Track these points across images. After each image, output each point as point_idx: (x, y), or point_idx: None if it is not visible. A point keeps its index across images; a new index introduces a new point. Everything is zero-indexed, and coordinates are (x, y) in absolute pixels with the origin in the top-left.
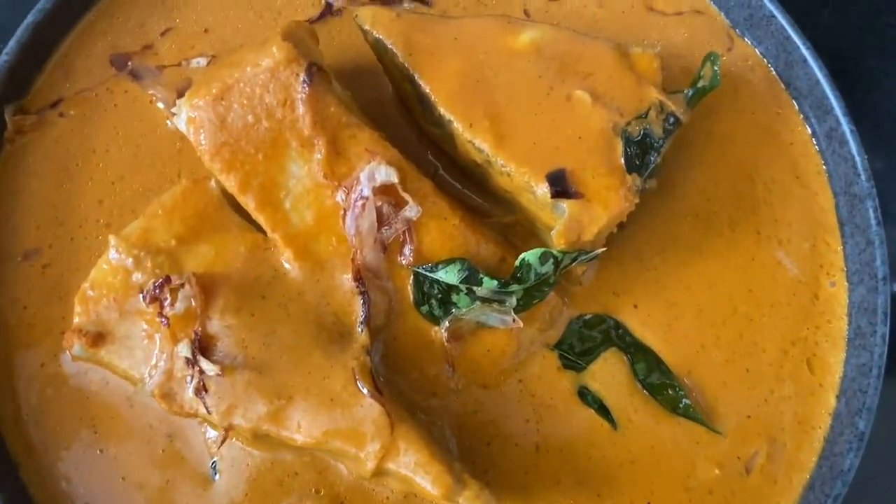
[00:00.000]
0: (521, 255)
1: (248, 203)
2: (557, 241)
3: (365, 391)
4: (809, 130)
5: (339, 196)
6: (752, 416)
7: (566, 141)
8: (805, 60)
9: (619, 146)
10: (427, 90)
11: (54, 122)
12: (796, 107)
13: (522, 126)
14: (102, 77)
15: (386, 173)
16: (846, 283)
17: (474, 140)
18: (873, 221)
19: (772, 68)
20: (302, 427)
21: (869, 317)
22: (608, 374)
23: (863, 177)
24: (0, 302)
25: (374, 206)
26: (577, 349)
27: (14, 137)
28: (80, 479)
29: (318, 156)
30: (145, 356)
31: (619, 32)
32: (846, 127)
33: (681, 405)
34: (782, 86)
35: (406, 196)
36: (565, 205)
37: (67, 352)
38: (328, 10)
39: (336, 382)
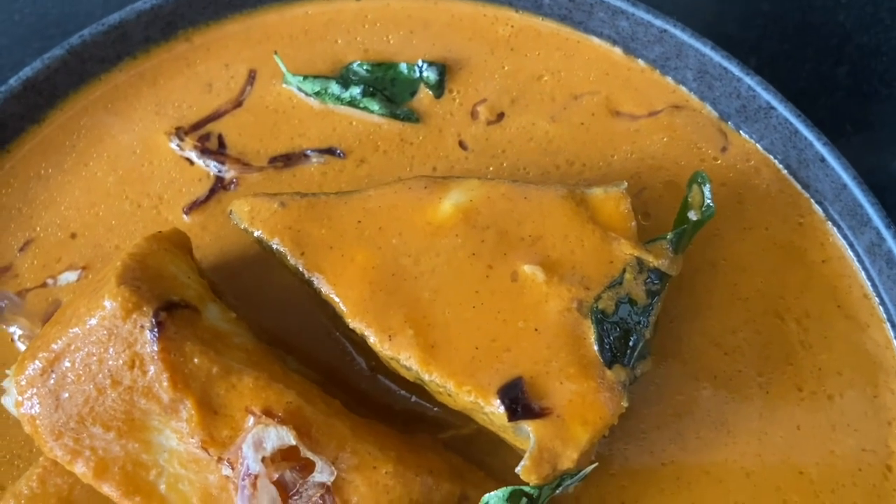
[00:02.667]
0: (484, 499)
1: (111, 493)
2: (527, 478)
3: None
4: (843, 241)
5: (225, 469)
6: None
7: (518, 337)
8: (823, 160)
9: (591, 332)
10: (331, 296)
11: None
12: (821, 213)
13: (457, 327)
14: None
15: (277, 437)
16: None
17: (398, 357)
18: None
19: (782, 167)
20: None
21: None
22: None
23: None
24: None
25: (271, 480)
26: None
27: None
28: None
29: (188, 423)
30: None
31: (582, 151)
32: (892, 242)
33: None
34: (798, 187)
35: (313, 456)
36: (529, 427)
37: None
38: (219, 185)
39: None
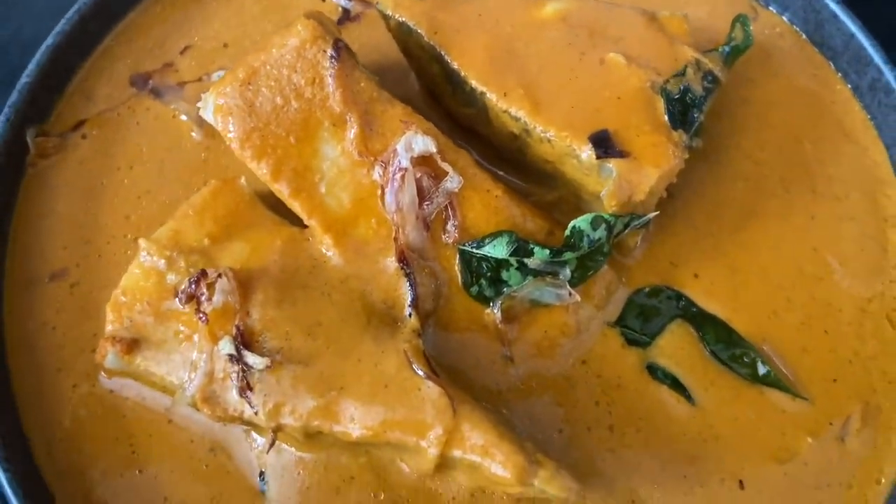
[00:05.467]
0: (572, 223)
1: (283, 190)
2: (608, 203)
3: (421, 373)
4: (850, 87)
5: (376, 173)
6: (839, 379)
7: (605, 102)
8: (836, 16)
9: (661, 104)
10: (456, 66)
11: (77, 143)
12: (832, 66)
13: (558, 91)
14: (123, 97)
15: (423, 143)
16: None
17: (510, 109)
18: None
19: (802, 33)
20: (356, 419)
21: None
22: (677, 347)
23: None
24: (28, 326)
25: (414, 178)
26: (639, 324)
27: (37, 161)
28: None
29: (352, 133)
30: (183, 360)
31: None
32: (889, 75)
33: (760, 373)
34: (814, 48)
35: (446, 166)
36: (612, 165)
37: (101, 370)
38: (346, 17)
39: (389, 367)
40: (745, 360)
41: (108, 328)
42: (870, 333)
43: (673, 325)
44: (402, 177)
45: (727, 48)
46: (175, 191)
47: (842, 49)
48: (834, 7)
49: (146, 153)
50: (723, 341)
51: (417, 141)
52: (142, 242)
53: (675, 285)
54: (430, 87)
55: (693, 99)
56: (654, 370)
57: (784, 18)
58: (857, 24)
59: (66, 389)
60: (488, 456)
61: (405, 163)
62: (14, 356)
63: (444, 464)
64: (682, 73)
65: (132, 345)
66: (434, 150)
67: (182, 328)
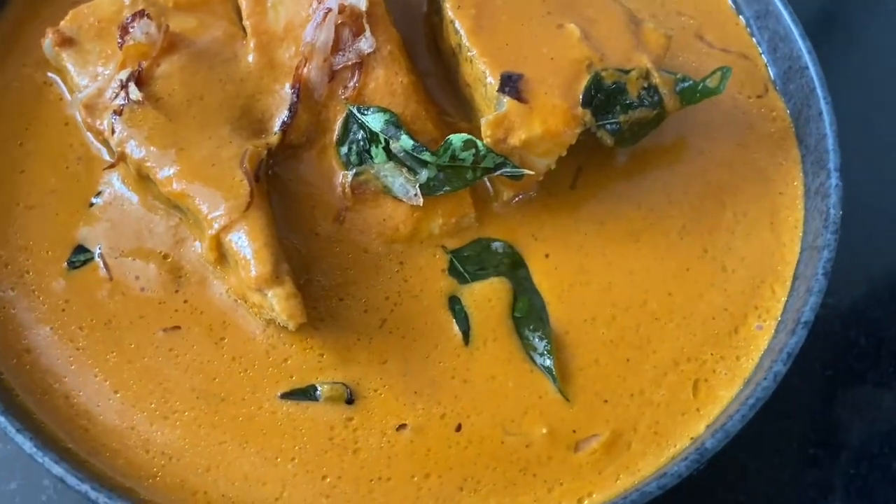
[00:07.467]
0: (449, 137)
1: None
2: (484, 132)
3: (243, 168)
4: (803, 189)
5: (312, 7)
6: (611, 402)
7: (538, 56)
8: (820, 114)
9: (584, 82)
10: None
11: None
12: (800, 164)
13: (504, 27)
14: None
15: None
16: (773, 331)
17: (455, 20)
18: (820, 271)
19: (793, 126)
20: (176, 175)
21: (773, 356)
22: (487, 296)
23: (830, 229)
24: (17, 17)
25: (335, 24)
26: (470, 263)
27: None
28: None
29: None
30: (93, 74)
31: None
32: (833, 181)
33: (540, 355)
34: (795, 142)
35: (367, 27)
36: (506, 101)
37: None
38: None
39: (226, 154)
40: (536, 339)
41: (61, 24)
42: (668, 385)
43: (497, 280)
44: (325, 15)
45: (689, 80)
46: None
47: (813, 148)
48: (823, 105)
49: None
50: (529, 315)
51: None
52: None
53: (523, 253)
54: None
55: (621, 98)
56: (454, 303)
57: (786, 108)
58: (834, 127)
59: (16, 66)
60: (247, 252)
61: (332, 4)
62: None
63: (220, 253)
64: (625, 73)
65: (66, 42)
66: (363, 8)
67: (109, 51)
